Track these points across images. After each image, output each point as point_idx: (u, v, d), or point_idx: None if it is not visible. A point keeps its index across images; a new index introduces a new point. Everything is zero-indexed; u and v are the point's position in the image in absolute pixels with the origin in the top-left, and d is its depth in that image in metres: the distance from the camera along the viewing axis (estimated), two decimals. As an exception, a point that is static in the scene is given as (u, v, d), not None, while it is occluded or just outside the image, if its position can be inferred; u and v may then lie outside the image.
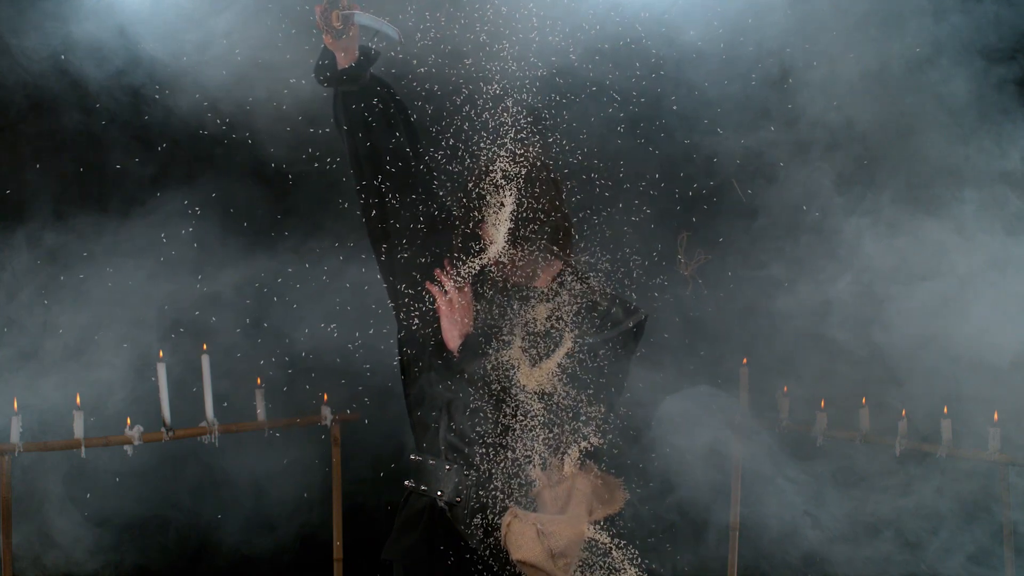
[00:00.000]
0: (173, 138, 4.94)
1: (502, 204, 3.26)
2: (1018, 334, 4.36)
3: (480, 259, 3.29)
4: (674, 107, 4.79)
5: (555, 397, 3.24)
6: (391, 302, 3.39)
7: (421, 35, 3.65)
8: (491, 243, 3.29)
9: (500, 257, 3.28)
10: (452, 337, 3.28)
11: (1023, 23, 4.66)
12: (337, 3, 3.22)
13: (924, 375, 4.53)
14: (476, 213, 3.30)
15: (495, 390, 3.22)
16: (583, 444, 3.26)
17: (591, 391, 3.23)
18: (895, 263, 4.59)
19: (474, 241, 3.30)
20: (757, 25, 4.75)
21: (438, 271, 3.31)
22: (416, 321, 3.33)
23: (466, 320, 3.28)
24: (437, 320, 3.31)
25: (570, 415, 3.23)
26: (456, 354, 3.26)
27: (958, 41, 4.61)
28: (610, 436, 3.32)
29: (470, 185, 3.33)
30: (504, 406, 3.23)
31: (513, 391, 3.22)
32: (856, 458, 4.92)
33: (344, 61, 3.27)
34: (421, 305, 3.33)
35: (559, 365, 3.25)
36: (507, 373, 3.23)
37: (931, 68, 4.65)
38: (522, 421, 3.23)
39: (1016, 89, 4.66)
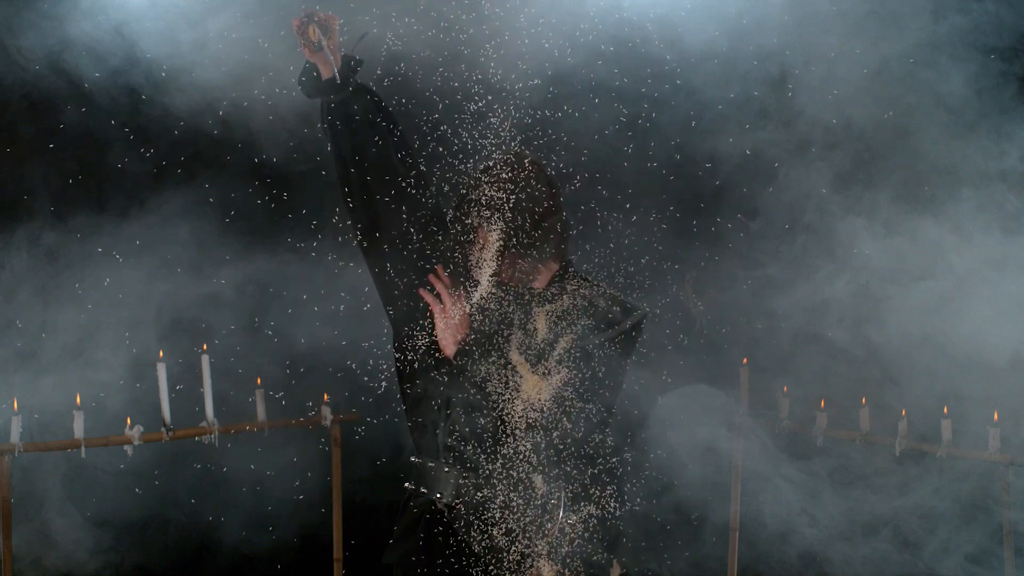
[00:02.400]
0: (172, 137, 4.95)
1: (485, 242, 3.21)
2: (1017, 333, 4.35)
3: (462, 306, 3.27)
4: (693, 123, 4.78)
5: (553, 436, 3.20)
6: (386, 307, 3.38)
7: (389, 43, 3.61)
8: (474, 285, 3.26)
9: (495, 268, 3.24)
10: (448, 344, 3.25)
11: (1021, 22, 4.65)
12: (313, 17, 3.19)
13: (923, 375, 4.53)
14: (457, 254, 3.26)
15: (494, 406, 3.19)
16: (587, 510, 3.23)
17: (591, 403, 3.19)
18: (893, 263, 4.59)
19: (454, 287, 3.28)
20: (756, 26, 4.74)
21: (431, 276, 3.29)
22: (412, 325, 3.31)
23: (462, 325, 3.26)
24: (432, 324, 3.29)
25: (579, 465, 3.20)
26: (453, 360, 3.24)
27: (956, 40, 4.60)
28: (638, 499, 3.28)
29: (449, 217, 3.29)
30: (501, 429, 3.19)
31: (510, 422, 3.19)
32: (856, 458, 4.92)
33: (326, 72, 3.26)
34: (415, 311, 3.30)
35: (558, 369, 3.21)
36: (505, 395, 3.19)
37: (929, 68, 4.65)
38: (508, 465, 3.20)
39: (1015, 88, 4.65)
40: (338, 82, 3.25)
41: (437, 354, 3.27)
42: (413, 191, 3.31)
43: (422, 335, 3.30)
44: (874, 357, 4.71)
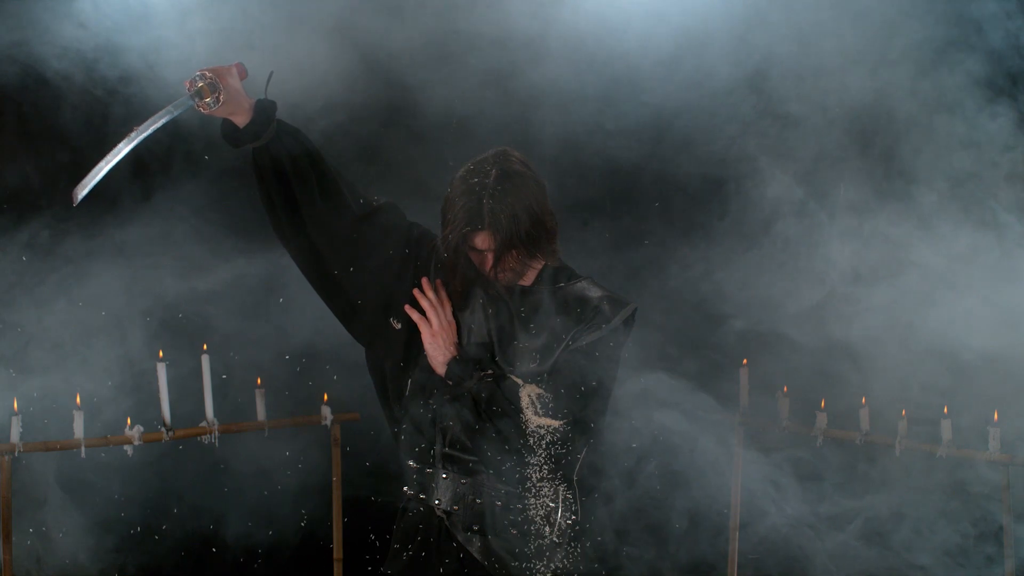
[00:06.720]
0: (172, 134, 4.95)
1: (475, 244, 3.14)
2: (1018, 333, 4.36)
3: (451, 320, 3.24)
4: (666, 125, 4.77)
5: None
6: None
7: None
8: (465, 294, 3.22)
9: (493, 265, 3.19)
10: (438, 364, 3.19)
11: (981, 14, 4.64)
12: (204, 76, 3.07)
13: (922, 374, 4.53)
14: (448, 262, 3.21)
15: (489, 418, 3.16)
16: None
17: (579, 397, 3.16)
18: (892, 263, 4.60)
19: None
20: (723, 28, 4.75)
21: (416, 291, 3.23)
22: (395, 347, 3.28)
23: (451, 340, 3.23)
24: (419, 341, 3.24)
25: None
26: (444, 377, 3.19)
27: (923, 38, 4.60)
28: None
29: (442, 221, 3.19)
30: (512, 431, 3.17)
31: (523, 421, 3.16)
32: (856, 458, 4.92)
33: (241, 121, 3.12)
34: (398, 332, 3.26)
35: (551, 372, 3.17)
36: (500, 406, 3.16)
37: (897, 65, 4.65)
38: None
39: (982, 85, 4.64)
40: (255, 127, 3.12)
41: (429, 372, 3.22)
42: (375, 225, 3.23)
43: (409, 353, 3.26)
44: (873, 357, 4.71)
